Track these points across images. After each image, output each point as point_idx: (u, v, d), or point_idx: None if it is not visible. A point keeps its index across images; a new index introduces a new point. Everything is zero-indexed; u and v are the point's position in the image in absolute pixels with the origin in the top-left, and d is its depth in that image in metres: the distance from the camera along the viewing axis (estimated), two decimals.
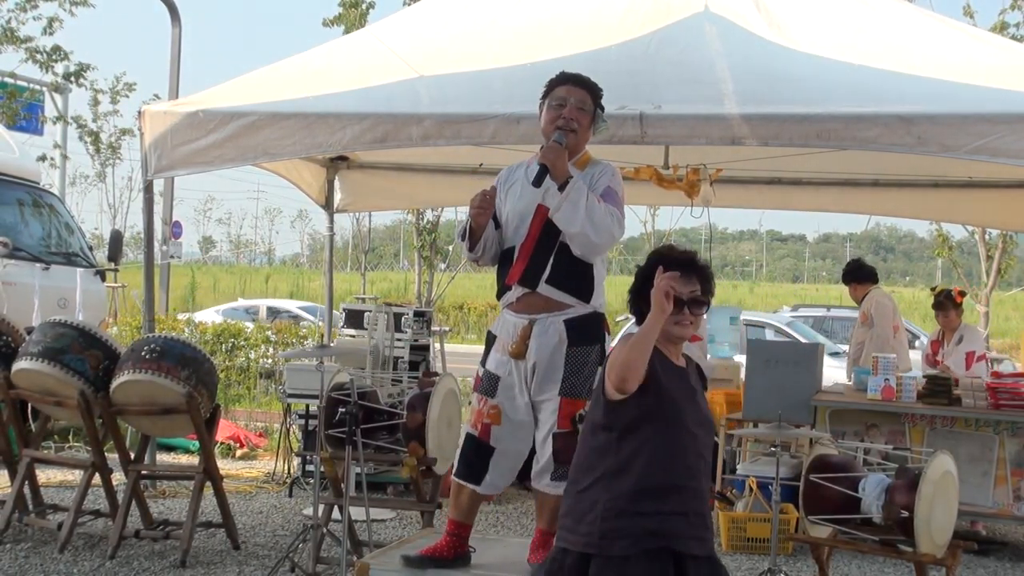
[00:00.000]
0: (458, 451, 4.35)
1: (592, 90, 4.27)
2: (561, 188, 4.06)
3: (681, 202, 8.10)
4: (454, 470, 4.35)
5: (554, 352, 4.14)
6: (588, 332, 4.19)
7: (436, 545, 4.27)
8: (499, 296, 4.30)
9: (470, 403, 4.35)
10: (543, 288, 4.15)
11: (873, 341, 8.33)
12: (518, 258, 4.18)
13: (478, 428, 4.23)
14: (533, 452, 4.29)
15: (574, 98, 4.20)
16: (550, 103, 4.23)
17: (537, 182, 4.06)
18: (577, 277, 4.18)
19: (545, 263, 4.15)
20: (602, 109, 4.29)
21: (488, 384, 4.23)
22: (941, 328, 8.18)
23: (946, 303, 8.03)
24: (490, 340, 4.30)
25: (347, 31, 12.76)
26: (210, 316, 18.28)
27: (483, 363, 4.30)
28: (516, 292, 4.19)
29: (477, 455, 4.22)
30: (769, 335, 14.02)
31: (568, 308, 4.15)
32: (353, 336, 8.75)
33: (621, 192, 4.26)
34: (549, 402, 4.15)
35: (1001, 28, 12.17)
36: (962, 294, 8.33)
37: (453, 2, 7.32)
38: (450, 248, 14.84)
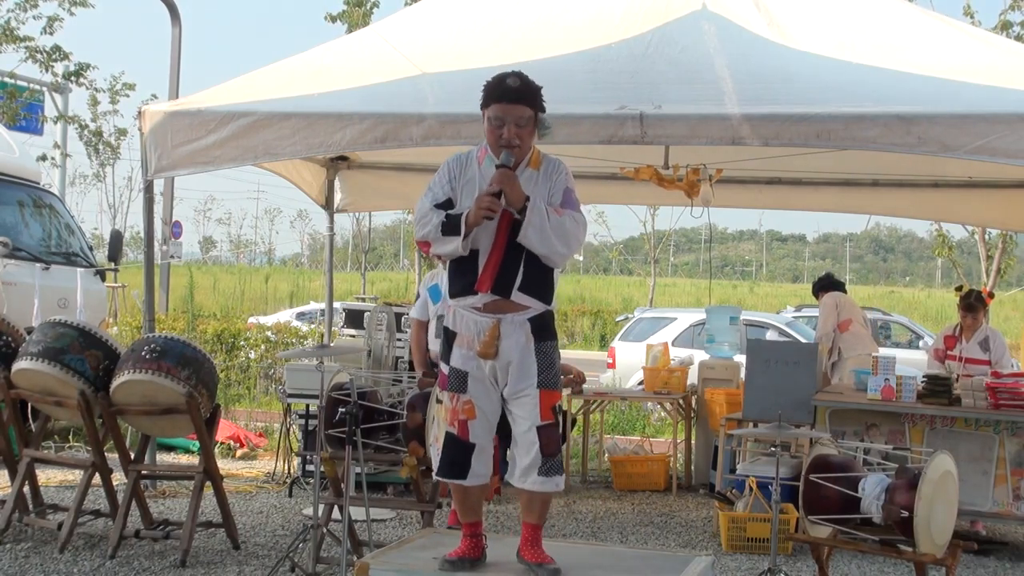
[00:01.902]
0: (437, 450, 4.32)
1: (529, 100, 4.16)
2: (520, 212, 4.06)
3: (681, 202, 8.10)
4: (436, 470, 4.32)
5: (524, 349, 4.17)
6: (548, 329, 4.25)
7: (463, 548, 4.26)
8: (455, 295, 4.25)
9: (439, 401, 4.33)
10: (516, 295, 4.17)
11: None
12: (487, 265, 4.16)
13: (456, 426, 4.22)
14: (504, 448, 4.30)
15: (511, 117, 4.12)
16: (489, 118, 4.16)
17: (521, 212, 4.07)
18: (545, 282, 4.24)
19: (516, 271, 4.16)
20: (543, 111, 4.22)
21: (457, 381, 4.23)
22: (960, 324, 8.17)
23: (977, 305, 8.05)
24: (449, 336, 4.27)
25: (351, 29, 12.72)
26: (284, 318, 18.19)
27: (446, 360, 4.28)
28: (484, 298, 4.18)
29: (460, 453, 4.22)
30: (770, 335, 14.02)
31: (528, 309, 4.19)
32: (353, 336, 8.76)
33: (575, 188, 4.28)
34: (527, 397, 4.16)
35: (1004, 28, 12.15)
36: (991, 296, 8.35)
37: (454, 2, 7.32)
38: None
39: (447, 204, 4.20)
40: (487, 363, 4.17)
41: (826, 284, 9.20)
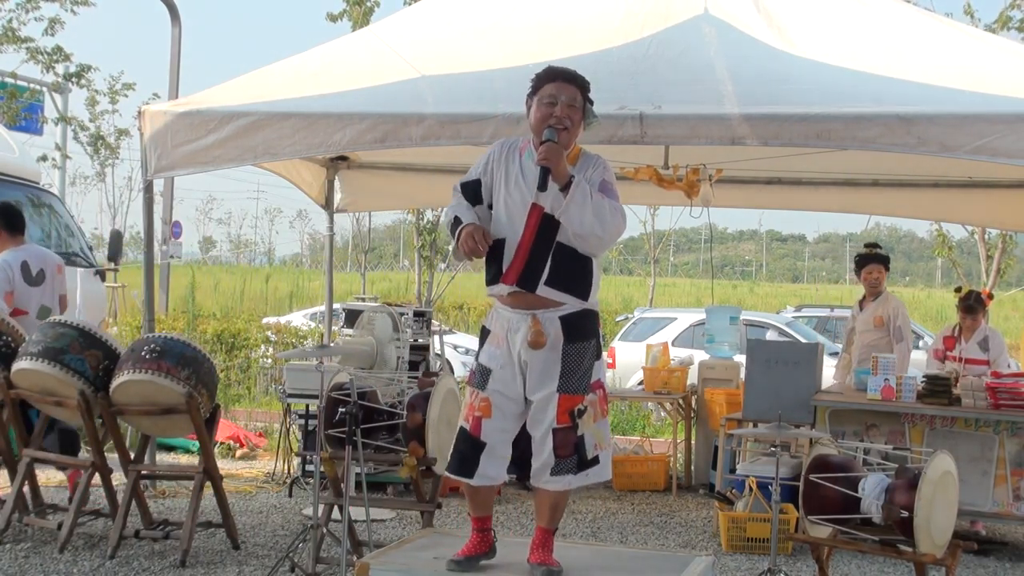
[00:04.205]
0: (452, 444, 4.34)
1: (581, 85, 4.24)
2: (564, 188, 4.05)
3: (681, 202, 8.10)
4: (448, 464, 4.32)
5: (550, 349, 4.14)
6: (582, 329, 4.18)
7: (471, 544, 4.26)
8: (487, 283, 4.27)
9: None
10: (541, 290, 4.14)
11: (897, 354, 8.14)
12: (514, 258, 4.15)
13: (469, 422, 4.23)
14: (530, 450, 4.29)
15: (565, 95, 4.17)
16: (540, 100, 4.19)
17: (542, 186, 4.06)
18: (575, 277, 4.17)
19: (543, 264, 4.13)
20: (591, 103, 4.28)
21: (480, 377, 4.23)
22: (959, 325, 8.14)
23: (976, 306, 8.01)
24: (484, 334, 4.29)
25: (355, 28, 12.69)
26: (297, 320, 18.16)
27: (477, 357, 4.31)
28: (510, 290, 4.17)
29: (469, 449, 4.22)
30: (770, 335, 14.02)
31: (563, 305, 4.16)
32: (352, 336, 8.74)
33: (615, 183, 4.27)
34: (546, 400, 4.14)
35: (1004, 23, 12.11)
36: (990, 297, 8.31)
37: (454, 3, 7.32)
38: (450, 248, 14.83)
39: (475, 184, 4.24)
40: (513, 358, 4.15)
41: (882, 261, 8.22)
